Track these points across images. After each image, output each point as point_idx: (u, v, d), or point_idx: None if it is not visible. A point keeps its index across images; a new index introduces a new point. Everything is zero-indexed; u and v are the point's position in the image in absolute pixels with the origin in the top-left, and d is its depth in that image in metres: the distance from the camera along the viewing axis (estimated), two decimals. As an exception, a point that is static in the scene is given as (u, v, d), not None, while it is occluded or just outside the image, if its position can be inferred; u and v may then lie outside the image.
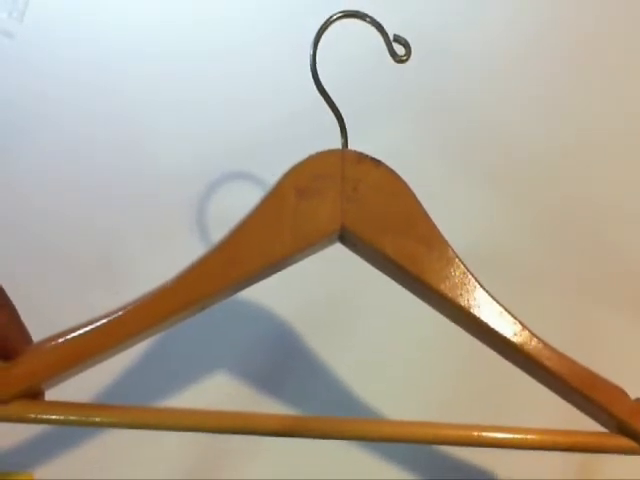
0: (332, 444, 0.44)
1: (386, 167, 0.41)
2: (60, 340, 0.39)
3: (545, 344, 0.41)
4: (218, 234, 0.41)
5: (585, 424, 0.43)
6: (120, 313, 0.39)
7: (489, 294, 0.41)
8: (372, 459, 0.61)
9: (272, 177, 0.41)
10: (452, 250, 0.41)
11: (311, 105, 0.42)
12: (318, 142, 0.42)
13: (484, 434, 0.41)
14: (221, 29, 0.67)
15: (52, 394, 0.41)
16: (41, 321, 0.40)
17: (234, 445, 0.59)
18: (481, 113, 0.68)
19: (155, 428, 0.40)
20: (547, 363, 0.41)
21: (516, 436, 0.41)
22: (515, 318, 0.41)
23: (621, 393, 0.42)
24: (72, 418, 0.39)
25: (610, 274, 0.66)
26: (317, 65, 0.41)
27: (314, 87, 0.41)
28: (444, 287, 0.41)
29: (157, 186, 0.64)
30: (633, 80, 0.70)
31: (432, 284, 0.41)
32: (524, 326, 0.41)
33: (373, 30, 0.41)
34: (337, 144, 0.42)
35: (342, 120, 0.42)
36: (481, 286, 0.41)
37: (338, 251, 0.43)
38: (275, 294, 0.61)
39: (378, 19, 0.41)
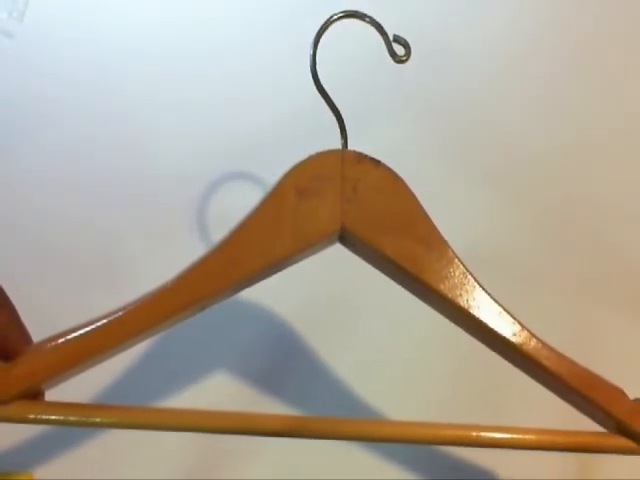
0: (332, 444, 0.44)
1: (386, 167, 0.41)
2: (60, 340, 0.39)
3: (544, 344, 0.41)
4: (218, 234, 0.41)
5: (584, 424, 0.43)
6: (120, 313, 0.39)
7: (488, 294, 0.41)
8: (372, 459, 0.61)
9: (272, 177, 0.41)
10: (452, 250, 0.41)
11: (311, 105, 0.42)
12: (318, 142, 0.42)
13: (483, 434, 0.41)
14: (221, 29, 0.67)
15: (52, 394, 0.41)
16: (41, 321, 0.40)
17: (234, 445, 0.59)
18: (481, 113, 0.68)
19: (155, 428, 0.40)
20: (546, 363, 0.41)
21: (515, 436, 0.41)
22: (514, 318, 0.41)
23: (620, 393, 0.42)
24: (72, 418, 0.39)
25: (610, 274, 0.66)
26: (317, 65, 0.41)
27: (314, 87, 0.41)
28: (444, 287, 0.41)
29: (157, 186, 0.64)
30: (633, 80, 0.70)
31: (432, 284, 0.41)
32: (523, 326, 0.41)
33: (373, 30, 0.41)
34: (337, 144, 0.42)
35: (342, 120, 0.42)
36: (481, 286, 0.41)
37: (338, 251, 0.43)
38: (275, 294, 0.61)
39: (378, 19, 0.41)
